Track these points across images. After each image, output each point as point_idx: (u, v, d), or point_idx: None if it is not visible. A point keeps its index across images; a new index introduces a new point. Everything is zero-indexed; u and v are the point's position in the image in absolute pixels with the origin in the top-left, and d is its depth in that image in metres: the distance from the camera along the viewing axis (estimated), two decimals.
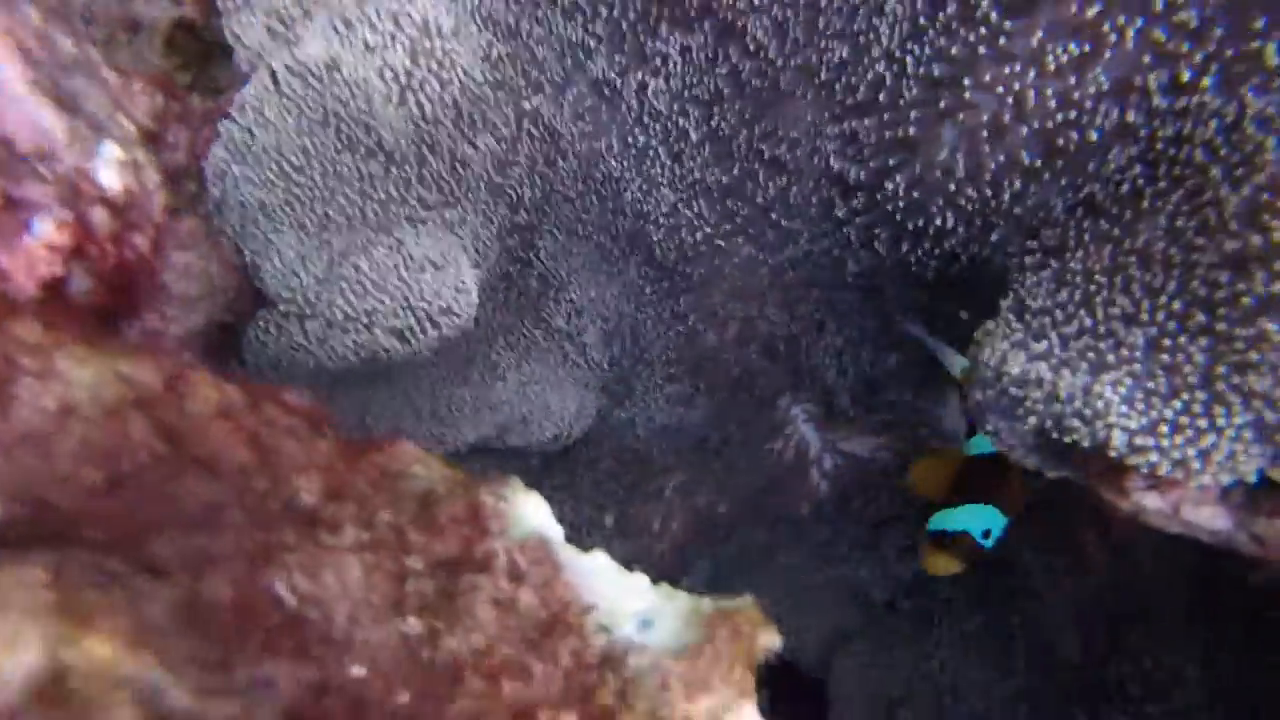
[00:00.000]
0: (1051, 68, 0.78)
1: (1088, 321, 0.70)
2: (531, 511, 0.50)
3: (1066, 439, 0.66)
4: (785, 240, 1.22)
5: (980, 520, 1.18)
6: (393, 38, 0.88)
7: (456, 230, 1.02)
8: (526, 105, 1.11)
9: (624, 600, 0.47)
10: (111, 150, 0.64)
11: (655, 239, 1.28)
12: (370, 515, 0.47)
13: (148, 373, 0.44)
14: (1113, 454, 0.63)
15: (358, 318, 0.92)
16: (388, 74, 0.88)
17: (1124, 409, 0.62)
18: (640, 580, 0.50)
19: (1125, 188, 0.77)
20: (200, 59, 1.07)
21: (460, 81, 0.95)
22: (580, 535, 1.64)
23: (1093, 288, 0.73)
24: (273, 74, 0.85)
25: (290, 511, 0.46)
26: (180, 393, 0.45)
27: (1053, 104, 0.78)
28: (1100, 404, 0.63)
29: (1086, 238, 0.78)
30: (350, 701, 0.40)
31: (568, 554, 0.49)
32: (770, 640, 0.46)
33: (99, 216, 0.61)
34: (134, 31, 1.06)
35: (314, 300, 0.90)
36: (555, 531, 0.51)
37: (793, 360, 1.42)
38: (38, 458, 0.41)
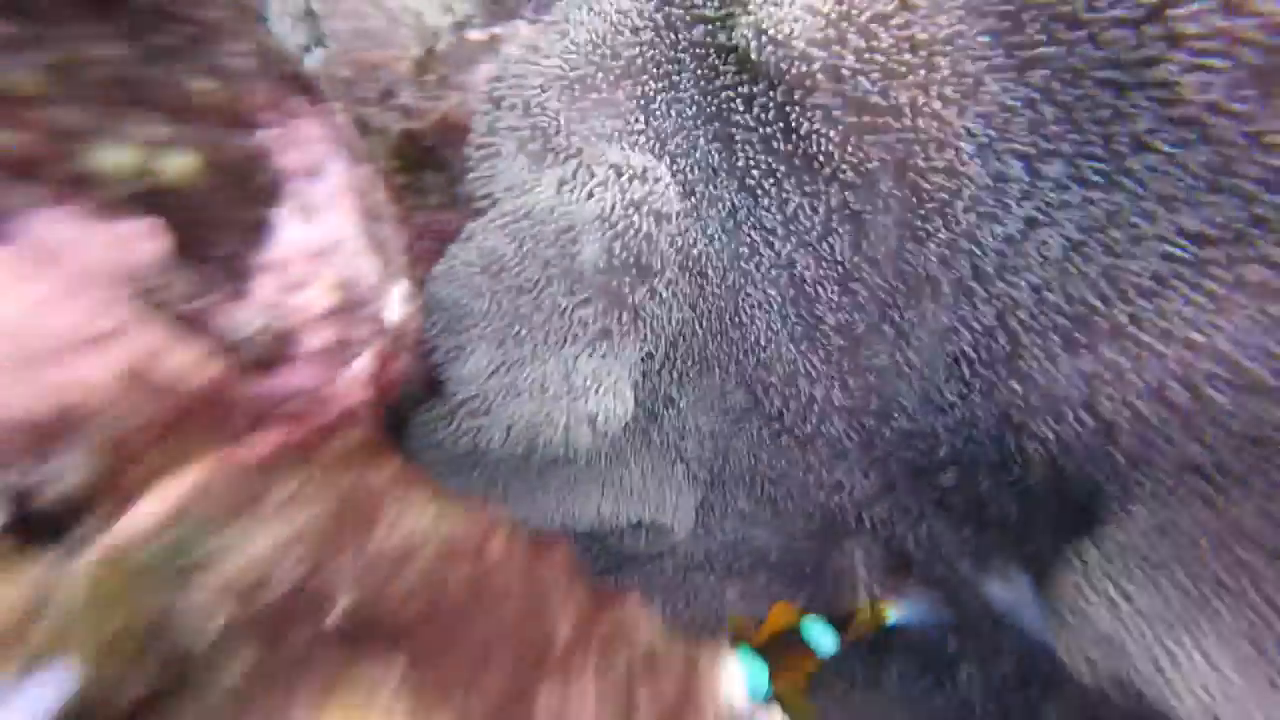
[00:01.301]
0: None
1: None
2: (730, 681, 0.61)
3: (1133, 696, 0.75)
4: (889, 410, 1.33)
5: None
6: (610, 185, 1.00)
7: (623, 354, 1.14)
8: (694, 250, 1.24)
9: None
10: (403, 288, 0.76)
11: (768, 384, 1.39)
12: (609, 660, 0.58)
13: (464, 525, 0.56)
14: None
15: (526, 420, 1.04)
16: (598, 220, 1.01)
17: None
18: None
19: None
20: (416, 165, 1.22)
21: (656, 232, 1.07)
22: None
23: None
24: (504, 212, 0.99)
25: (548, 648, 0.56)
26: (484, 546, 0.56)
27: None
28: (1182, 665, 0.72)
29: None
30: None
31: None
32: None
33: (385, 344, 0.72)
34: (367, 132, 1.21)
35: (491, 400, 1.03)
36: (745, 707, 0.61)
37: (871, 516, 1.53)
38: (386, 578, 0.52)
